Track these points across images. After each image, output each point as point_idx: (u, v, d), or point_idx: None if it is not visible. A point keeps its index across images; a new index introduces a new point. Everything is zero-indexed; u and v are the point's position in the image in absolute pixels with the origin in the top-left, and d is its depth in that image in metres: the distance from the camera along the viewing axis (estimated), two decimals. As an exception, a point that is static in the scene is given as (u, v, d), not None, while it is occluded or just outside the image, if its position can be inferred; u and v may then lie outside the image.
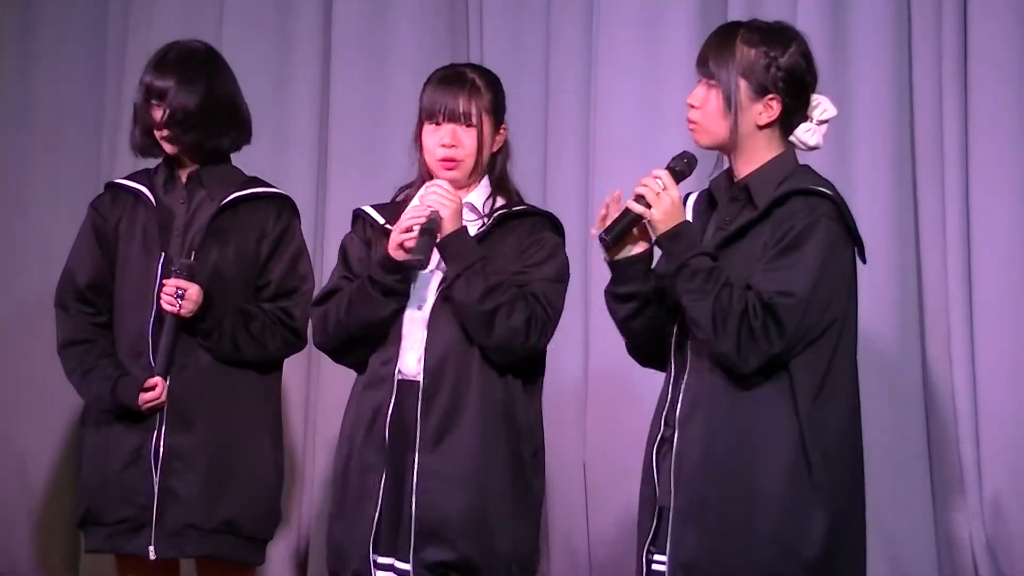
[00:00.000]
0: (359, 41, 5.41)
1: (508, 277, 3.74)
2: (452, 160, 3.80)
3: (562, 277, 3.83)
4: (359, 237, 3.92)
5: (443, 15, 5.39)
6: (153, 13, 5.49)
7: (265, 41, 5.47)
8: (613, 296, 3.54)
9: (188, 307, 4.08)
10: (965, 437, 4.78)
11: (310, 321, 3.94)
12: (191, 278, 4.08)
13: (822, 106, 3.49)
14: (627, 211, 3.43)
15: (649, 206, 3.40)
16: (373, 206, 3.92)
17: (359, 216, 3.94)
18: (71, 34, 5.61)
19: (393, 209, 3.86)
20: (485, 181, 3.88)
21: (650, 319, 3.51)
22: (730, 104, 3.41)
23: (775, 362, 3.32)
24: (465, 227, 3.76)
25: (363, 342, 3.82)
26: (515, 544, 3.76)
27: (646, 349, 3.59)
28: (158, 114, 4.16)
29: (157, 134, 4.18)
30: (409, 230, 3.70)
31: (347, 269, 3.90)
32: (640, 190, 3.41)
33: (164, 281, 4.09)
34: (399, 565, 3.74)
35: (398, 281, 3.75)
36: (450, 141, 3.80)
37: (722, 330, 3.30)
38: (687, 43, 4.96)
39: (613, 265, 3.50)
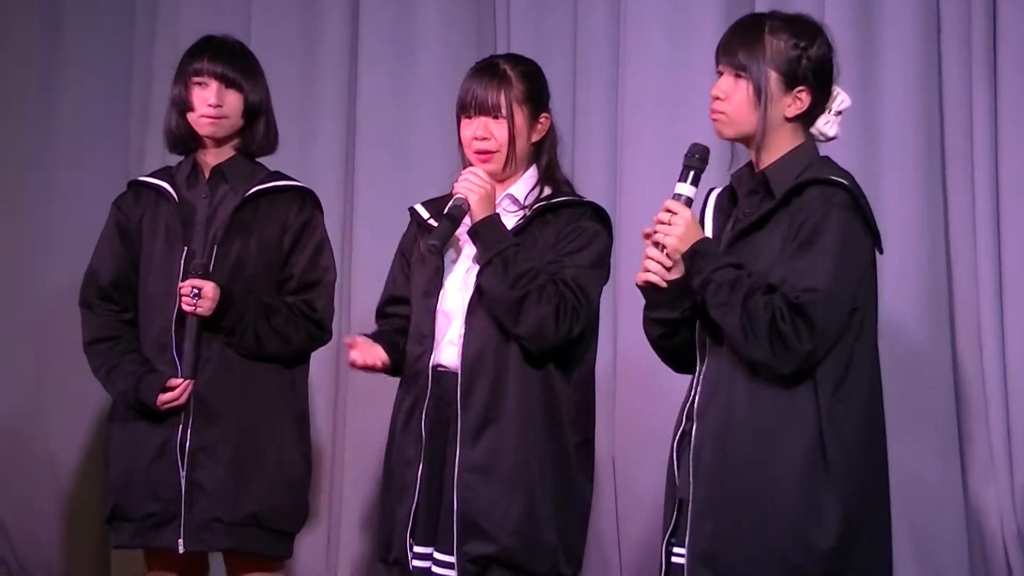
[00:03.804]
0: (386, 36, 5.42)
1: (540, 264, 3.72)
2: (486, 152, 3.81)
3: (598, 264, 3.80)
4: (410, 235, 3.95)
5: (470, 8, 5.40)
6: (180, 10, 5.52)
7: (292, 36, 5.49)
8: (646, 318, 3.53)
9: (205, 305, 4.07)
10: (995, 427, 4.74)
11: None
12: (206, 276, 4.09)
13: (839, 97, 3.49)
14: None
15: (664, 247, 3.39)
16: (424, 201, 3.94)
17: (411, 213, 3.96)
18: (98, 33, 5.63)
19: (441, 203, 3.86)
20: (532, 171, 3.88)
21: (684, 341, 3.50)
22: (760, 96, 3.40)
23: (812, 360, 3.30)
24: (497, 214, 3.76)
25: None
26: (561, 536, 3.75)
27: (680, 363, 3.59)
28: (204, 96, 4.16)
29: (199, 113, 4.16)
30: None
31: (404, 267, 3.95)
32: (656, 238, 3.39)
33: (181, 283, 4.09)
34: (439, 556, 3.75)
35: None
36: (482, 134, 3.81)
37: (753, 340, 3.28)
38: (714, 35, 4.85)
39: (644, 291, 3.48)
